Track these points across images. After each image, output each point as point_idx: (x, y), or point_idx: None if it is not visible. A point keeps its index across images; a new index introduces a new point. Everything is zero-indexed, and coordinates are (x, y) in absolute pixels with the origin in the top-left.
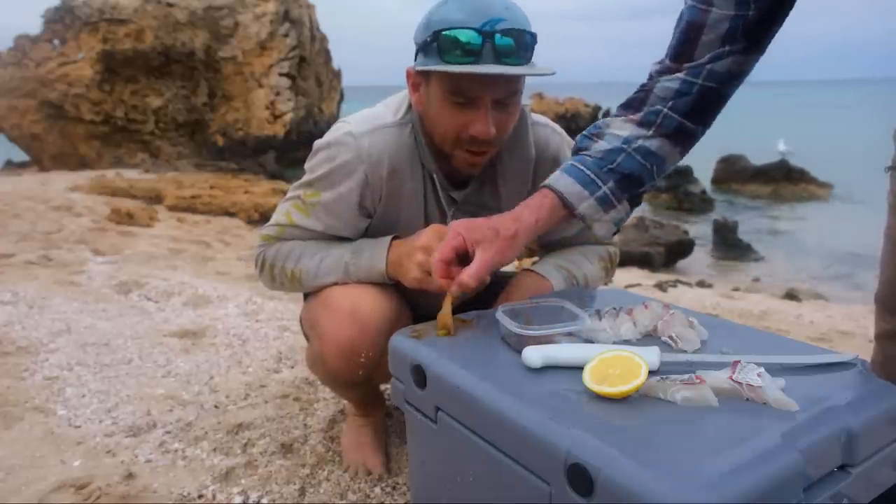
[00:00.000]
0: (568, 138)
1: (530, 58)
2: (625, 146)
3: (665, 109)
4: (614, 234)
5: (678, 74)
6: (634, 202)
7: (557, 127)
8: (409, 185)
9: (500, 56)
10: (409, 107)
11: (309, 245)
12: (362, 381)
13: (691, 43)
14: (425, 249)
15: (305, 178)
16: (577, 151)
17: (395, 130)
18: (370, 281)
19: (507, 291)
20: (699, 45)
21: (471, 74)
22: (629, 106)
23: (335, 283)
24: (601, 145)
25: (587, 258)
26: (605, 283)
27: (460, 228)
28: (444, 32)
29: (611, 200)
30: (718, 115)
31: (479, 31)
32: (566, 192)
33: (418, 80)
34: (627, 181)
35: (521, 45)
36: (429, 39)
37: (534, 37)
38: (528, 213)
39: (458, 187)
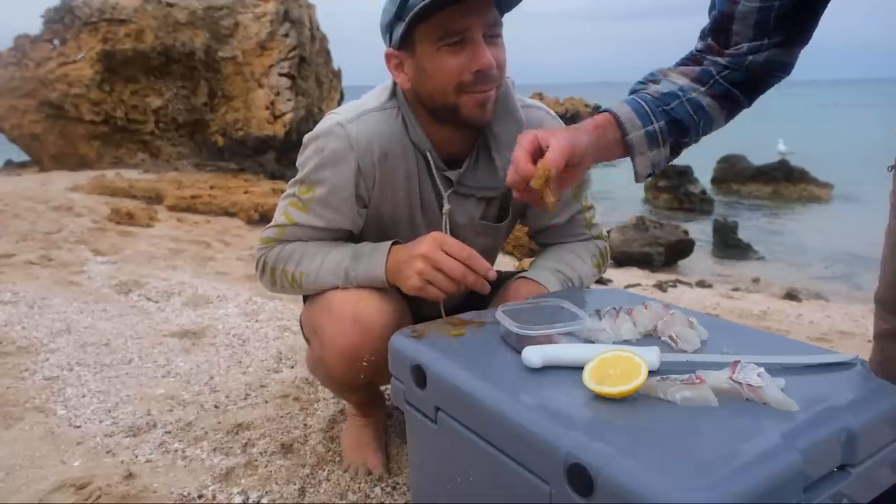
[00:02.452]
0: (562, 122)
1: None
2: (680, 94)
3: (716, 76)
4: (648, 176)
5: (720, 59)
6: (674, 152)
7: (551, 111)
8: (401, 169)
9: None
10: (392, 93)
11: (309, 247)
12: (364, 384)
13: (724, 32)
14: (425, 258)
15: (298, 174)
16: (633, 92)
17: (381, 114)
18: (370, 286)
19: (503, 298)
20: (732, 35)
21: (456, 10)
22: (683, 65)
23: (335, 288)
24: (659, 87)
25: (580, 258)
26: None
27: (531, 134)
28: None
29: (658, 139)
30: (762, 95)
31: None
32: (623, 117)
33: (400, 56)
34: (676, 127)
35: None
36: (401, 1)
37: None
38: (584, 123)
39: (452, 167)
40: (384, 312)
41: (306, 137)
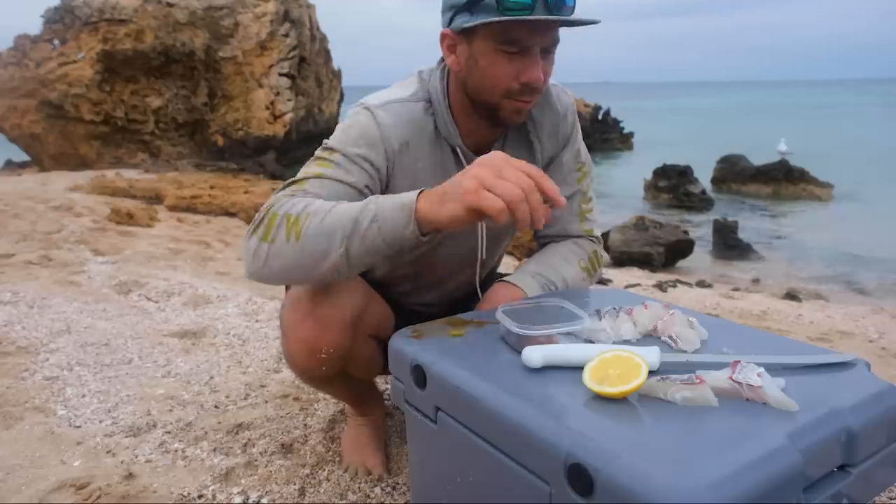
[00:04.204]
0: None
1: (574, 7)
2: None
3: None
4: None
5: None
6: None
7: (567, 89)
8: (422, 162)
9: (551, 8)
10: (419, 87)
11: (328, 202)
12: (331, 375)
13: None
14: (488, 165)
15: (326, 145)
16: None
17: (407, 106)
18: (390, 227)
19: (480, 304)
20: None
21: (525, 24)
22: None
23: (342, 238)
24: None
25: (566, 261)
26: (594, 282)
27: None
28: None
29: None
30: None
31: None
32: None
33: (456, 40)
34: None
35: None
36: None
37: None
38: None
39: (479, 154)
40: (343, 306)
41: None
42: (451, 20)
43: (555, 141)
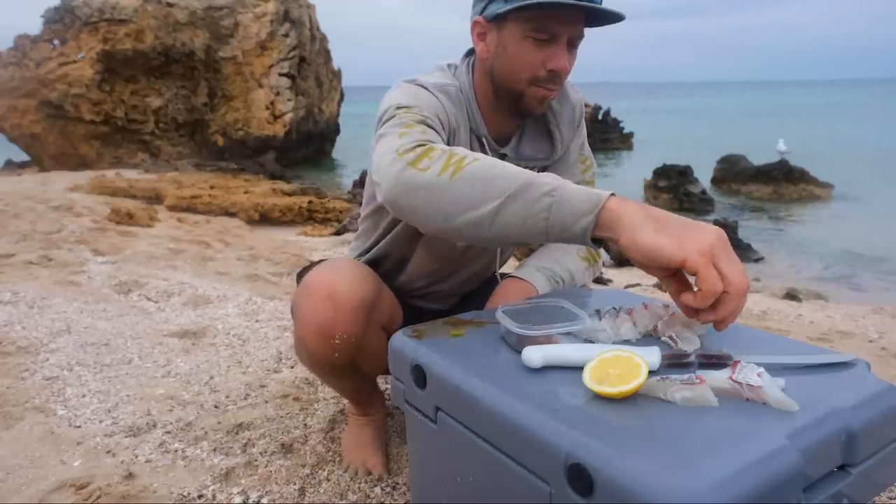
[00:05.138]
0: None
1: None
2: None
3: None
4: None
5: None
6: None
7: (574, 86)
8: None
9: None
10: (453, 80)
11: None
12: (342, 364)
13: None
14: (722, 240)
15: (391, 109)
16: None
17: (455, 93)
18: (566, 209)
19: (492, 300)
20: None
21: (556, 13)
22: None
23: (502, 194)
24: None
25: (566, 252)
26: (595, 275)
27: None
28: None
29: None
30: None
31: None
32: None
33: (487, 28)
34: None
35: None
36: None
37: None
38: None
39: (501, 144)
40: (359, 290)
41: (390, 96)
42: (485, 8)
43: (572, 131)
